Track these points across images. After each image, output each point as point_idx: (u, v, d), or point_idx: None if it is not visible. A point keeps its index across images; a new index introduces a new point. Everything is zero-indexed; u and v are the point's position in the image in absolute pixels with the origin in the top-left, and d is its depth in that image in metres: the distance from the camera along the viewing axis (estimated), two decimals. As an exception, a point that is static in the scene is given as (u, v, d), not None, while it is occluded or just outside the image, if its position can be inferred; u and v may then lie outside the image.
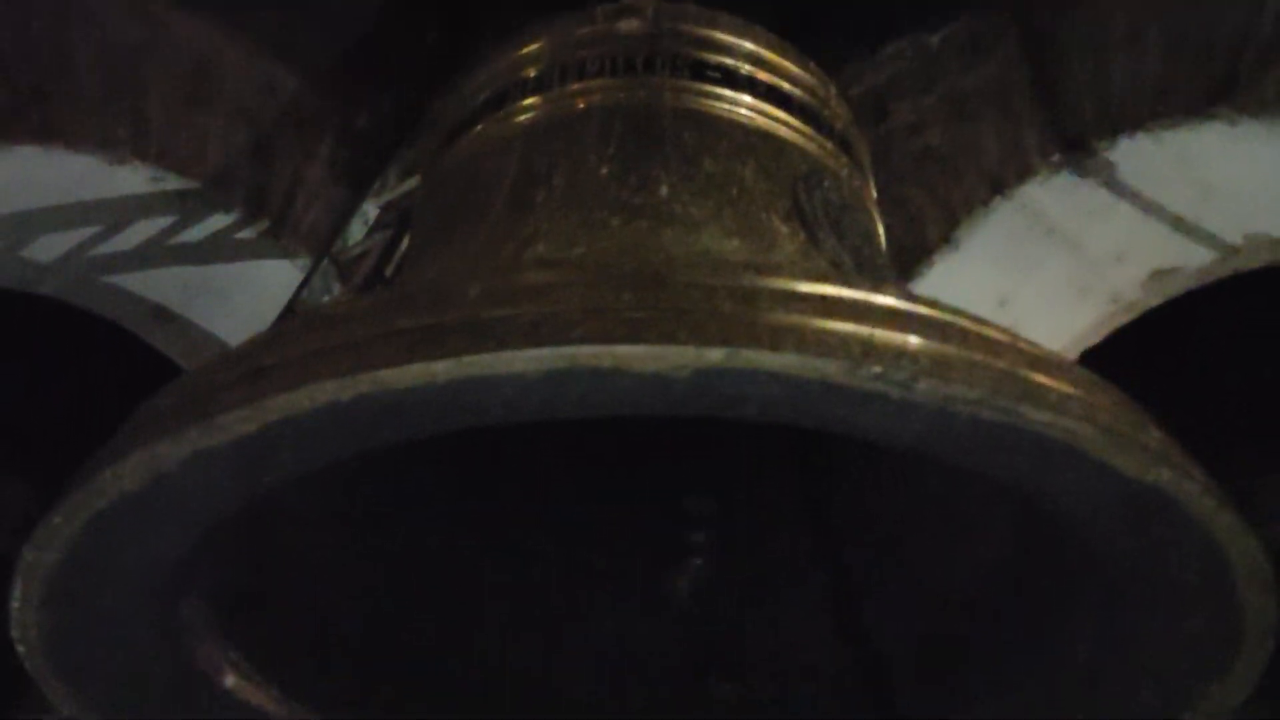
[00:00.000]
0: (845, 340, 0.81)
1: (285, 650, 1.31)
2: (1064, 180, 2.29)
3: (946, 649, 1.28)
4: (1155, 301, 2.49)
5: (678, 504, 1.52)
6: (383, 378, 0.80)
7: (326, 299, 2.61)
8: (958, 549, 1.28)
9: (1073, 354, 2.57)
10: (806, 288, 0.86)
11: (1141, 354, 2.67)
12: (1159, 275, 2.44)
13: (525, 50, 1.40)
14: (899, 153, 2.40)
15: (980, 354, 0.85)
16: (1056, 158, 2.27)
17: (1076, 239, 2.39)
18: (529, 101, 1.35)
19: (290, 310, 2.55)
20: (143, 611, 1.09)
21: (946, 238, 2.38)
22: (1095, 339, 2.56)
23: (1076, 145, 2.24)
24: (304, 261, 2.77)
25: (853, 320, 0.83)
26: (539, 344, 0.79)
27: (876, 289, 0.89)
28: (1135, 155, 2.26)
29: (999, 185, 2.38)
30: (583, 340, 0.79)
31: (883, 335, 0.82)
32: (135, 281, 2.81)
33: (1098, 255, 2.41)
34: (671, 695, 1.43)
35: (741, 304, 0.82)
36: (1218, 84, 2.05)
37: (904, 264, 2.47)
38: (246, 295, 2.87)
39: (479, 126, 1.37)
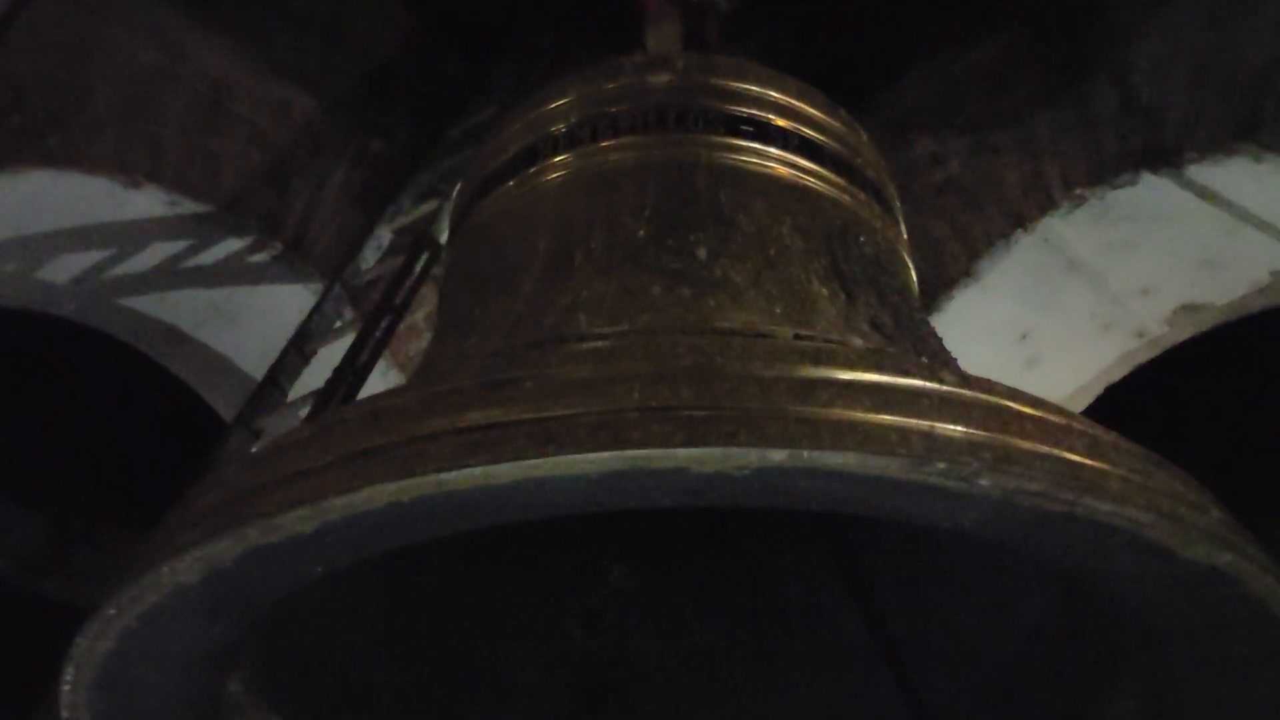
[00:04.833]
0: (907, 437, 0.80)
1: None
2: (1086, 214, 2.28)
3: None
4: (1181, 337, 2.47)
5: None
6: (445, 480, 0.79)
7: (338, 325, 2.60)
8: (997, 623, 1.28)
9: (1096, 390, 2.56)
10: (865, 377, 0.85)
11: (1166, 389, 2.66)
12: (1185, 310, 2.42)
13: (555, 104, 1.39)
14: (920, 183, 2.38)
15: (1042, 444, 0.84)
16: (1079, 191, 2.26)
17: (1099, 273, 2.37)
18: (560, 158, 1.34)
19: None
20: (190, 691, 1.08)
21: (968, 271, 2.37)
22: (1119, 374, 2.54)
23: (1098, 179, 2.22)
24: (317, 285, 2.76)
25: (913, 413, 0.83)
26: (601, 448, 0.78)
27: (935, 375, 0.88)
28: (1161, 189, 2.24)
29: (1020, 218, 2.37)
30: (644, 444, 0.78)
31: (944, 430, 0.82)
32: (149, 304, 2.80)
33: (1121, 290, 2.39)
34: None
35: (800, 400, 0.82)
36: (1243, 119, 2.03)
37: (924, 297, 2.45)
38: (260, 318, 2.87)
39: (510, 183, 1.36)
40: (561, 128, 1.36)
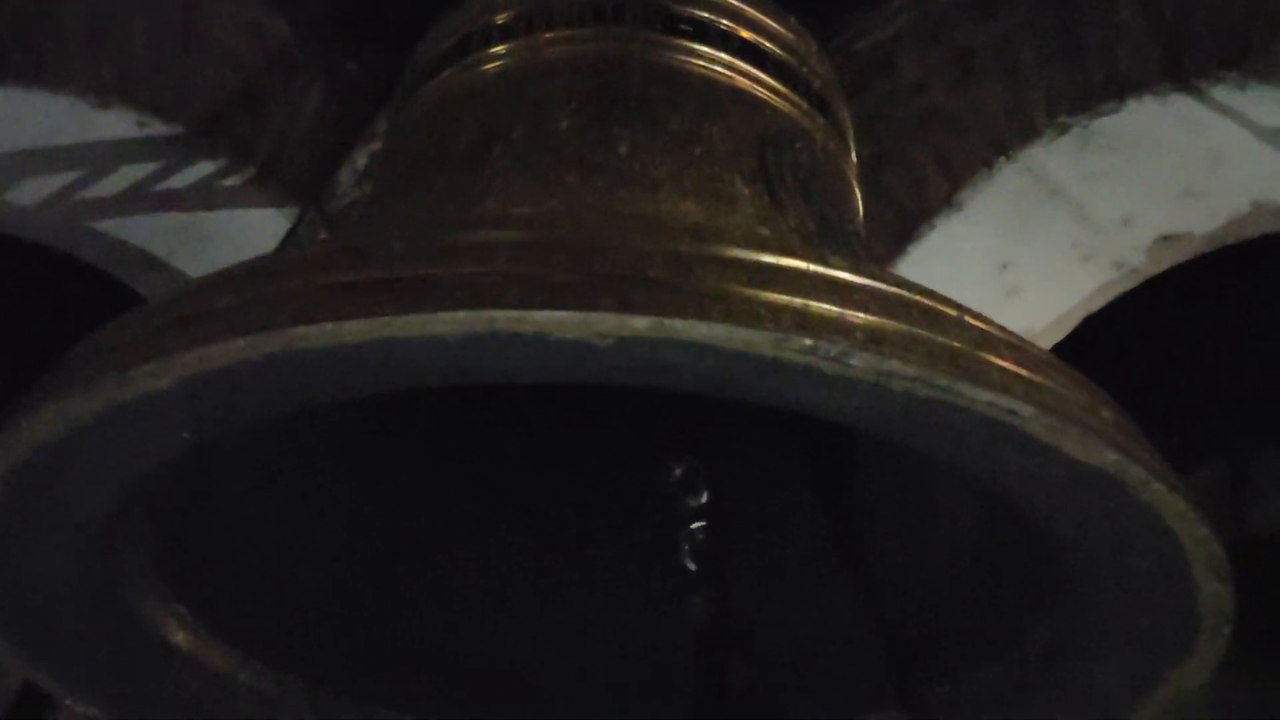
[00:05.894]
0: (776, 311, 0.77)
1: (234, 609, 1.30)
2: (1069, 143, 2.23)
3: (909, 635, 1.26)
4: (1160, 268, 2.44)
5: (668, 479, 1.48)
6: (295, 336, 0.77)
7: (313, 249, 2.58)
8: (926, 534, 1.26)
9: (1074, 320, 2.53)
10: (744, 255, 0.82)
11: (1144, 322, 2.63)
12: (1164, 241, 2.38)
13: (494, -4, 1.36)
14: (903, 111, 2.33)
15: (923, 329, 0.81)
16: (1062, 119, 2.21)
17: (1081, 203, 2.33)
18: (495, 49, 1.31)
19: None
20: (77, 564, 1.07)
21: (949, 200, 2.32)
22: (1097, 305, 2.51)
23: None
24: (292, 210, 2.73)
25: (788, 291, 0.80)
26: (457, 307, 0.75)
27: (821, 259, 0.85)
28: (1144, 118, 2.20)
29: (1003, 147, 2.33)
30: (501, 305, 0.75)
31: (818, 307, 0.79)
32: (121, 228, 2.78)
33: (1102, 220, 2.35)
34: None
35: (672, 271, 0.79)
36: (1231, 45, 1.98)
37: (904, 227, 2.42)
38: (234, 244, 2.84)
39: (444, 74, 1.33)
40: (499, 19, 1.33)
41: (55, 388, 0.85)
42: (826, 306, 0.79)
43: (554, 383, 0.83)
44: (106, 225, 2.75)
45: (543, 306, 0.75)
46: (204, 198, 2.72)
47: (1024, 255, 2.47)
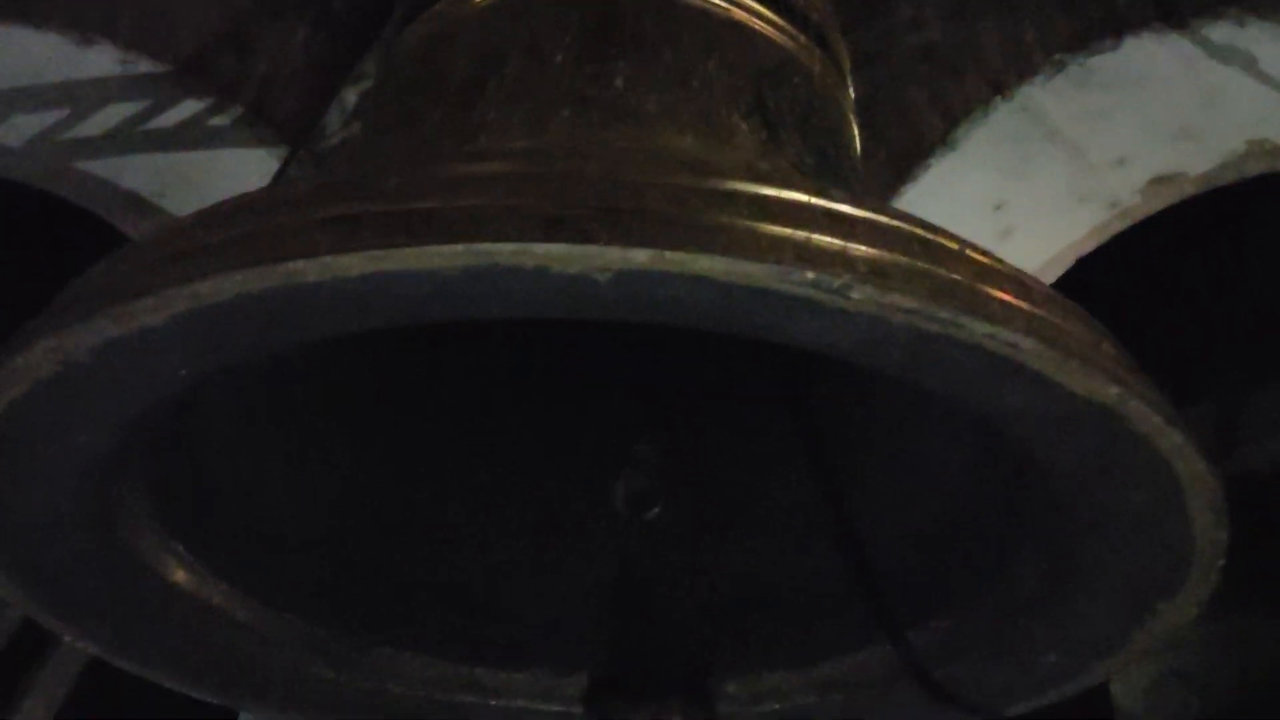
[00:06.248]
0: (777, 244, 0.77)
1: (231, 547, 1.30)
2: (1066, 81, 2.22)
3: (902, 572, 1.27)
4: (1155, 208, 2.43)
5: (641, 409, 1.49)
6: (292, 270, 0.76)
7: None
8: (917, 470, 1.26)
9: (1067, 261, 2.53)
10: (744, 188, 0.82)
11: (1136, 263, 2.63)
12: (1159, 181, 2.37)
13: (487, -73, 1.33)
14: (899, 49, 2.31)
15: (924, 262, 0.81)
16: (1059, 57, 2.19)
17: (1076, 143, 2.32)
18: (487, -17, 1.29)
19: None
20: (74, 501, 1.07)
21: (944, 139, 2.31)
22: (1090, 247, 2.51)
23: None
24: (280, 150, 2.70)
25: (790, 223, 0.79)
26: (454, 239, 0.75)
27: (822, 192, 0.84)
28: (1141, 56, 2.18)
29: (999, 85, 2.31)
30: (502, 238, 0.75)
31: (819, 240, 0.78)
32: (107, 168, 2.75)
33: (1098, 160, 2.34)
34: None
35: (672, 204, 0.78)
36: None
37: (900, 166, 2.40)
38: (222, 185, 2.80)
39: (436, 7, 1.31)
40: (491, -49, 1.30)
41: (50, 324, 0.84)
42: (828, 239, 0.78)
43: (548, 318, 0.83)
44: (93, 165, 2.72)
45: (543, 239, 0.75)
46: (191, 138, 2.69)
47: (1019, 195, 2.46)
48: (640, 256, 0.75)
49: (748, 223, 0.78)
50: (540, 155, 0.88)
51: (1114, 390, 0.84)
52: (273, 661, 1.40)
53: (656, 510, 1.35)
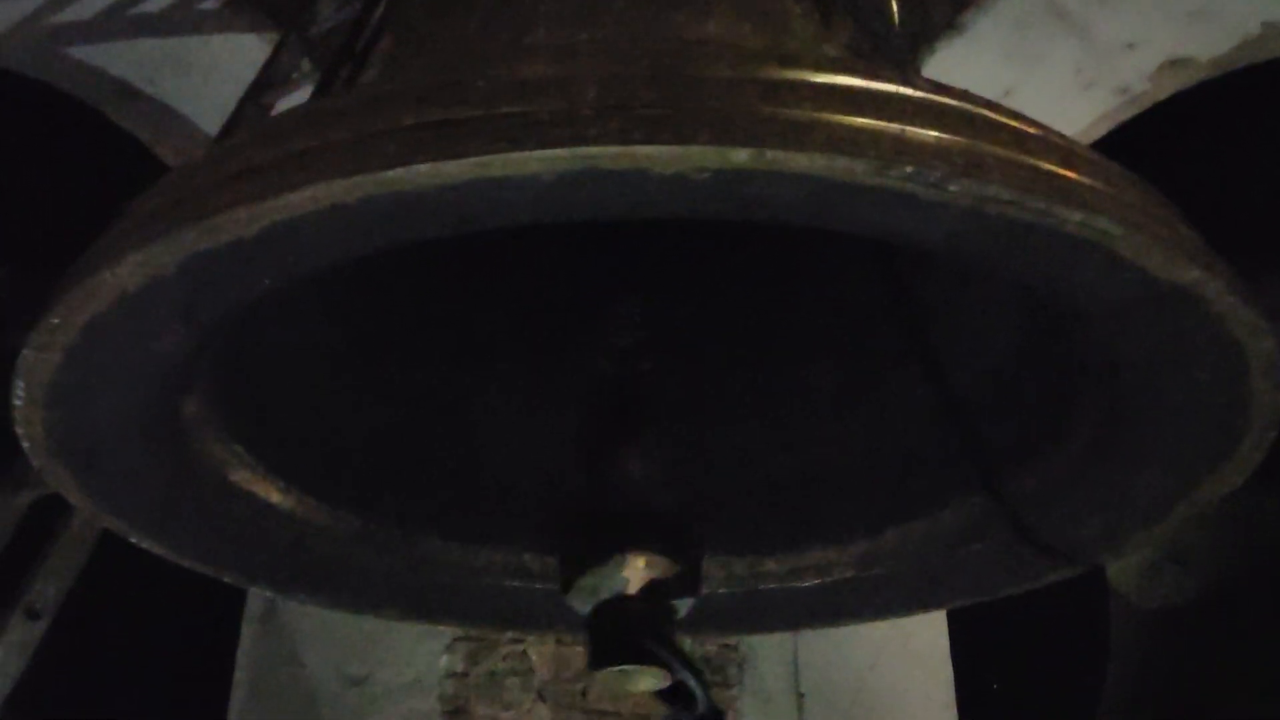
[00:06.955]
0: (876, 138, 0.77)
1: (287, 447, 1.31)
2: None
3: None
4: (1164, 94, 2.40)
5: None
6: (392, 179, 0.75)
7: (295, 76, 2.49)
8: (969, 349, 1.27)
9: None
10: (835, 80, 0.81)
11: (1145, 149, 2.61)
12: (1170, 66, 2.34)
13: None
14: (909, -71, 2.25)
15: (1014, 151, 0.81)
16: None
17: (1086, 26, 2.28)
18: None
19: (257, 87, 2.43)
20: (145, 408, 1.07)
21: (952, 22, 2.26)
22: (1099, 133, 2.48)
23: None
24: (272, 36, 2.63)
25: (884, 116, 0.79)
26: (555, 144, 0.74)
27: (907, 80, 0.84)
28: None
29: (1010, -36, 2.26)
30: (601, 140, 0.74)
31: (915, 134, 0.78)
32: (97, 54, 2.67)
33: (1107, 44, 2.30)
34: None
35: (767, 100, 0.78)
36: None
37: (908, 50, 2.36)
38: (213, 71, 2.74)
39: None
40: None
41: (135, 238, 0.83)
42: (925, 131, 0.78)
43: (644, 218, 0.83)
44: (81, 52, 2.65)
45: (644, 141, 0.74)
46: (182, 23, 2.61)
47: (1026, 81, 2.43)
48: (739, 156, 0.75)
49: (845, 117, 0.77)
50: (615, 51, 0.86)
51: (1196, 273, 0.86)
52: (326, 554, 1.43)
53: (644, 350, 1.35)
